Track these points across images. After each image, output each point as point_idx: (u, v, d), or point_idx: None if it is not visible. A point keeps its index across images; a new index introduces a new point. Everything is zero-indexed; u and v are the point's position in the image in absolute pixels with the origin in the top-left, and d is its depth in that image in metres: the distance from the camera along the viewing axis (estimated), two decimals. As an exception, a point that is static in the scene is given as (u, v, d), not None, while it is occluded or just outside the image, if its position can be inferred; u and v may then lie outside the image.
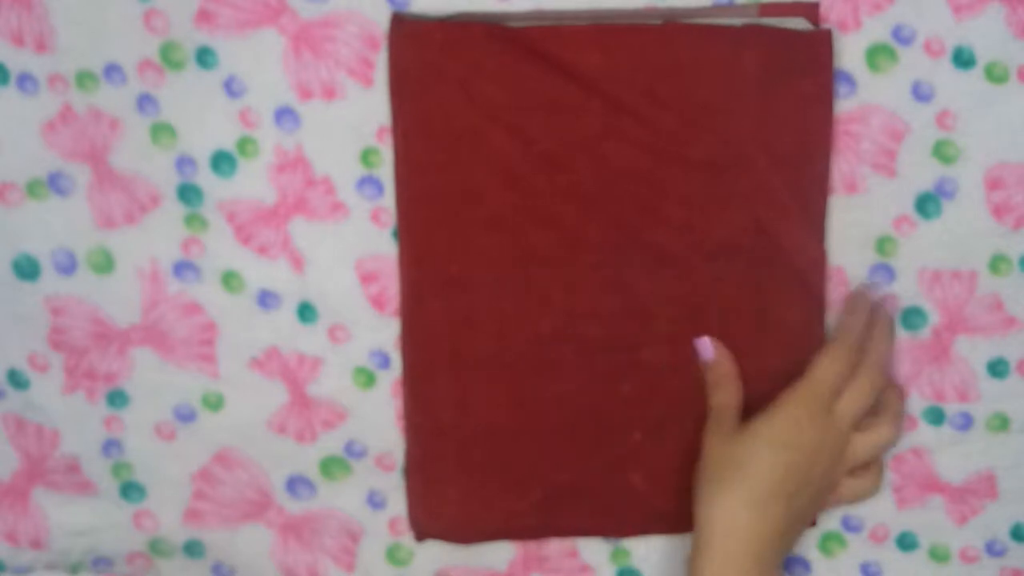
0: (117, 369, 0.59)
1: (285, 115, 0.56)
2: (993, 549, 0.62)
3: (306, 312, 0.58)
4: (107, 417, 0.60)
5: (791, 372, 0.58)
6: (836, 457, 0.55)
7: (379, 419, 0.60)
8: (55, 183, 0.57)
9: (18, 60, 0.56)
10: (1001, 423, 0.60)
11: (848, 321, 0.57)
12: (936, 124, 0.57)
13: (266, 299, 0.58)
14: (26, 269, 0.58)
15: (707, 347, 0.57)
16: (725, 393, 0.57)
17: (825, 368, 0.56)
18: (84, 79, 0.56)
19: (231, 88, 0.56)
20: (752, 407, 0.59)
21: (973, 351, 0.59)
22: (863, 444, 0.56)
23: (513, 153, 0.56)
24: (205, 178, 0.57)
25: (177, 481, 0.61)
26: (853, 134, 0.57)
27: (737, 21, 0.56)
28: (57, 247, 0.58)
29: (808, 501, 0.55)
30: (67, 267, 0.58)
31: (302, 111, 0.56)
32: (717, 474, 0.55)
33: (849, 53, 0.56)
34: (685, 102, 0.56)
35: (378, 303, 0.58)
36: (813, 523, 0.61)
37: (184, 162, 0.57)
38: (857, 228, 0.58)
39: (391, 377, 0.59)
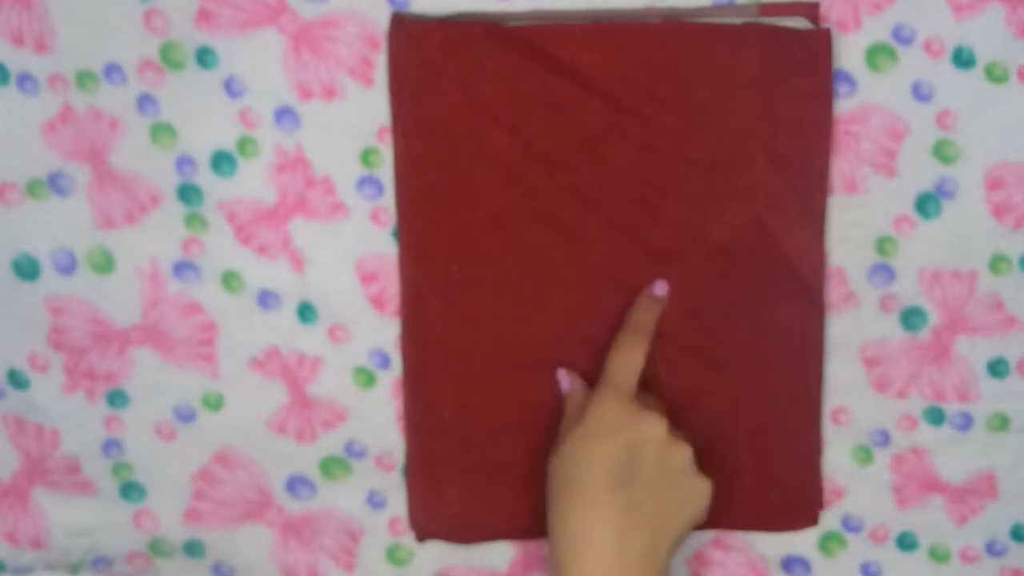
0: (117, 369, 0.59)
1: (285, 115, 0.56)
2: (993, 549, 0.62)
3: (306, 312, 0.58)
4: (107, 417, 0.60)
5: (790, 371, 0.58)
6: (665, 440, 0.54)
7: (379, 419, 0.60)
8: (55, 183, 0.57)
9: (18, 60, 0.56)
10: (1001, 423, 0.60)
11: (630, 313, 0.57)
12: (936, 124, 0.57)
13: (266, 299, 0.58)
14: (26, 269, 0.58)
15: (662, 287, 0.58)
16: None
17: (616, 361, 0.56)
18: (84, 79, 0.56)
19: (231, 88, 0.56)
20: (751, 406, 0.59)
21: (973, 351, 0.59)
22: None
23: (513, 153, 0.56)
24: (205, 178, 0.57)
25: (177, 481, 0.61)
26: (853, 134, 0.57)
27: (737, 21, 0.56)
28: (57, 247, 0.58)
29: (653, 488, 0.53)
30: (67, 267, 0.58)
31: (302, 111, 0.56)
32: (551, 497, 0.54)
33: (849, 53, 0.56)
34: (685, 101, 0.56)
35: (378, 303, 0.58)
36: (814, 520, 0.61)
37: (184, 162, 0.57)
38: (857, 228, 0.58)
39: (391, 377, 0.59)
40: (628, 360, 0.56)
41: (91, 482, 0.61)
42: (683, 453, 0.54)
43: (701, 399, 0.58)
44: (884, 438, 0.60)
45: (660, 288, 0.57)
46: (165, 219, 0.58)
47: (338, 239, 0.58)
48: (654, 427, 0.54)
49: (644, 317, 0.57)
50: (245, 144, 0.57)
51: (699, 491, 0.55)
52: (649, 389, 0.58)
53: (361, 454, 0.60)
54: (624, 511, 0.52)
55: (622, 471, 0.53)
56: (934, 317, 0.59)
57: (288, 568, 0.62)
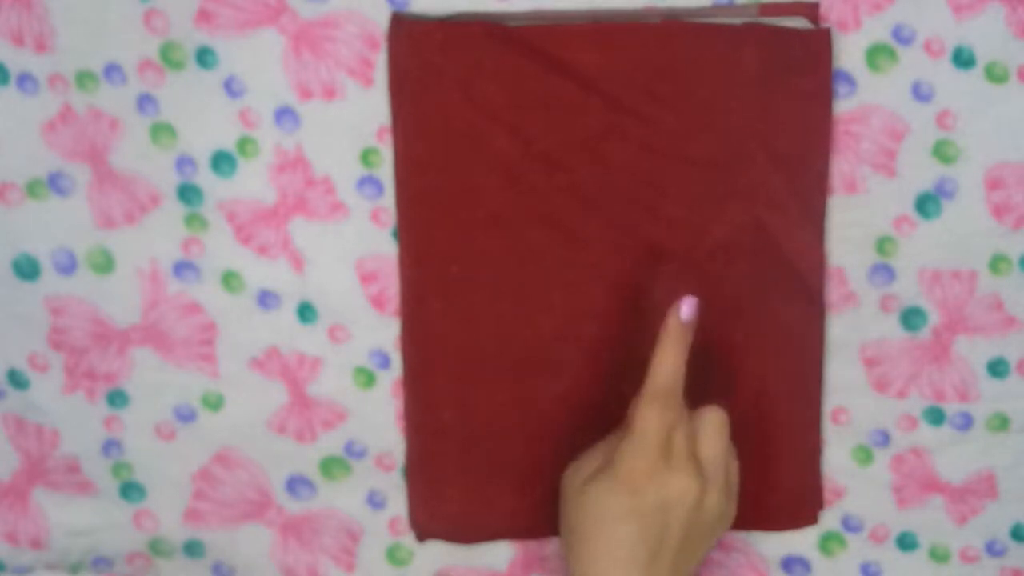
0: (117, 369, 0.59)
1: (285, 115, 0.56)
2: (993, 549, 0.62)
3: (306, 312, 0.58)
4: (107, 417, 0.60)
5: (790, 371, 0.58)
6: (692, 502, 0.52)
7: (379, 419, 0.60)
8: (55, 183, 0.57)
9: (18, 60, 0.56)
10: (1001, 423, 0.60)
11: (656, 361, 0.53)
12: (936, 124, 0.57)
13: (266, 299, 0.58)
14: (26, 269, 0.58)
15: (691, 306, 0.54)
16: (648, 417, 0.52)
17: (647, 419, 0.52)
18: (84, 79, 0.56)
19: (231, 88, 0.56)
20: (750, 406, 0.59)
21: (973, 351, 0.59)
22: (705, 454, 0.54)
23: (513, 152, 0.56)
24: (205, 178, 0.57)
25: (177, 481, 0.61)
26: (853, 134, 0.57)
27: (737, 21, 0.56)
28: (57, 247, 0.58)
29: (678, 546, 0.53)
30: (67, 267, 0.58)
31: (302, 111, 0.56)
32: (572, 539, 0.53)
33: (849, 53, 0.56)
34: (685, 101, 0.56)
35: (378, 303, 0.58)
36: (814, 520, 0.61)
37: (184, 162, 0.57)
38: (857, 228, 0.58)
39: (391, 377, 0.59)
40: (658, 411, 0.52)
41: (91, 482, 0.61)
42: (713, 507, 0.53)
43: (701, 399, 0.58)
44: (884, 438, 0.60)
45: (688, 309, 0.53)
46: (165, 219, 0.58)
47: (338, 239, 0.58)
48: (683, 489, 0.52)
49: (672, 364, 0.53)
50: (245, 144, 0.57)
51: (724, 523, 0.55)
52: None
53: (361, 454, 0.60)
54: (644, 569, 0.52)
55: (648, 532, 0.52)
56: (934, 317, 0.59)
57: (288, 568, 0.62)
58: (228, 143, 0.57)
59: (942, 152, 0.57)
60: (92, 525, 0.61)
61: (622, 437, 0.54)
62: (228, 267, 0.58)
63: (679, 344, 0.53)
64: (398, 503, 0.61)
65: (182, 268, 0.58)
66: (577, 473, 0.55)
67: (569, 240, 0.57)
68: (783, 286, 0.58)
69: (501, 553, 0.62)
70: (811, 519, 0.61)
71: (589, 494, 0.53)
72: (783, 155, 0.56)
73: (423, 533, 0.61)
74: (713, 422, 0.54)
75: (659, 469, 0.52)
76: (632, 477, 0.52)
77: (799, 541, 0.62)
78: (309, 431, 0.60)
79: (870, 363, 0.59)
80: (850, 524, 0.62)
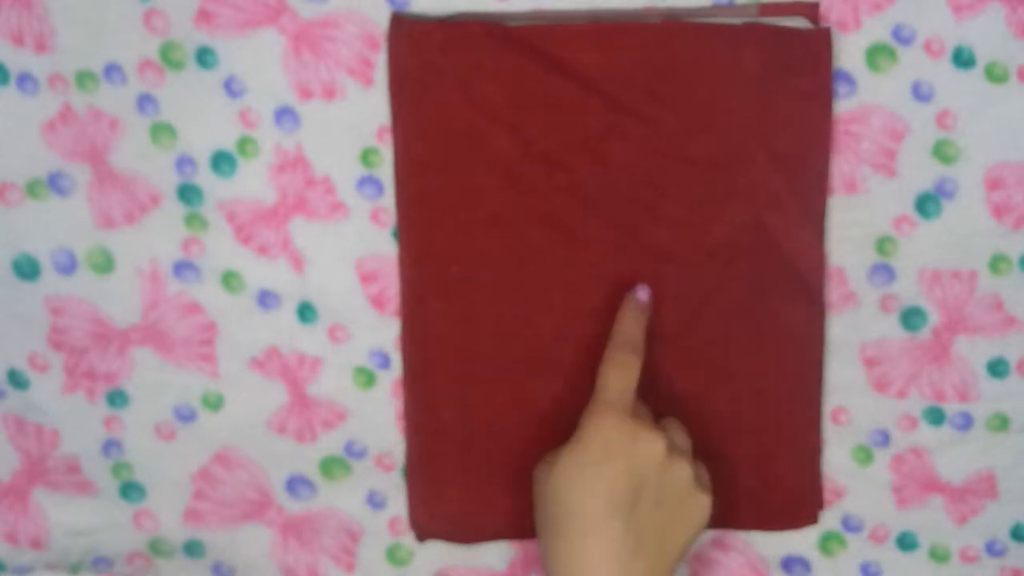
0: (117, 369, 0.59)
1: (285, 115, 0.56)
2: (993, 549, 0.62)
3: (306, 312, 0.58)
4: (107, 417, 0.60)
5: (791, 371, 0.58)
6: (660, 460, 0.53)
7: (379, 419, 0.60)
8: (55, 183, 0.57)
9: (18, 60, 0.56)
10: (1001, 423, 0.60)
11: (616, 325, 0.56)
12: (936, 124, 0.57)
13: (266, 299, 0.58)
14: (26, 269, 0.58)
15: (645, 292, 0.56)
16: (614, 379, 0.54)
17: (607, 375, 0.54)
18: (84, 79, 0.56)
19: (231, 88, 0.56)
20: (751, 406, 0.59)
21: (973, 351, 0.59)
22: (671, 435, 0.55)
23: (513, 152, 0.56)
24: (205, 178, 0.57)
25: (177, 481, 0.61)
26: (853, 134, 0.57)
27: (737, 21, 0.56)
28: (57, 247, 0.58)
29: (656, 510, 0.52)
30: (67, 267, 0.58)
31: (302, 111, 0.56)
32: (546, 521, 0.53)
33: (849, 53, 0.56)
34: (684, 100, 0.56)
35: (378, 303, 0.58)
36: (815, 519, 0.61)
37: (184, 162, 0.57)
38: (857, 228, 0.58)
39: (391, 377, 0.59)
40: (622, 376, 0.54)
41: (91, 482, 0.61)
42: (683, 471, 0.53)
43: (701, 399, 0.58)
44: (884, 438, 0.60)
45: (643, 293, 0.57)
46: (165, 219, 0.58)
47: (338, 239, 0.58)
48: (654, 448, 0.52)
49: (631, 328, 0.55)
50: (245, 144, 0.57)
51: (700, 507, 0.54)
52: (649, 389, 0.58)
53: (361, 454, 0.60)
54: (625, 536, 0.51)
55: (622, 497, 0.52)
56: (934, 317, 0.59)
57: (288, 568, 0.62)
58: (228, 143, 0.57)
59: (942, 152, 0.57)
60: (92, 525, 0.61)
61: (583, 414, 0.54)
62: (228, 267, 0.58)
63: (637, 313, 0.56)
64: (398, 503, 0.61)
65: (182, 268, 0.58)
66: (543, 462, 0.55)
67: (569, 240, 0.57)
68: (783, 286, 0.58)
69: (501, 553, 0.62)
70: (811, 519, 0.61)
71: (556, 473, 0.53)
72: (783, 155, 0.56)
73: (423, 533, 0.61)
74: (676, 422, 0.56)
75: (624, 429, 0.52)
76: (596, 441, 0.52)
77: (799, 541, 0.62)
78: (309, 431, 0.60)
79: (870, 363, 0.59)
80: (850, 524, 0.62)
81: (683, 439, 0.56)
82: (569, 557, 0.52)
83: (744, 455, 0.59)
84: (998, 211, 0.57)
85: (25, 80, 0.56)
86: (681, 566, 0.61)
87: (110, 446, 0.60)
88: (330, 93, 0.56)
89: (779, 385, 0.59)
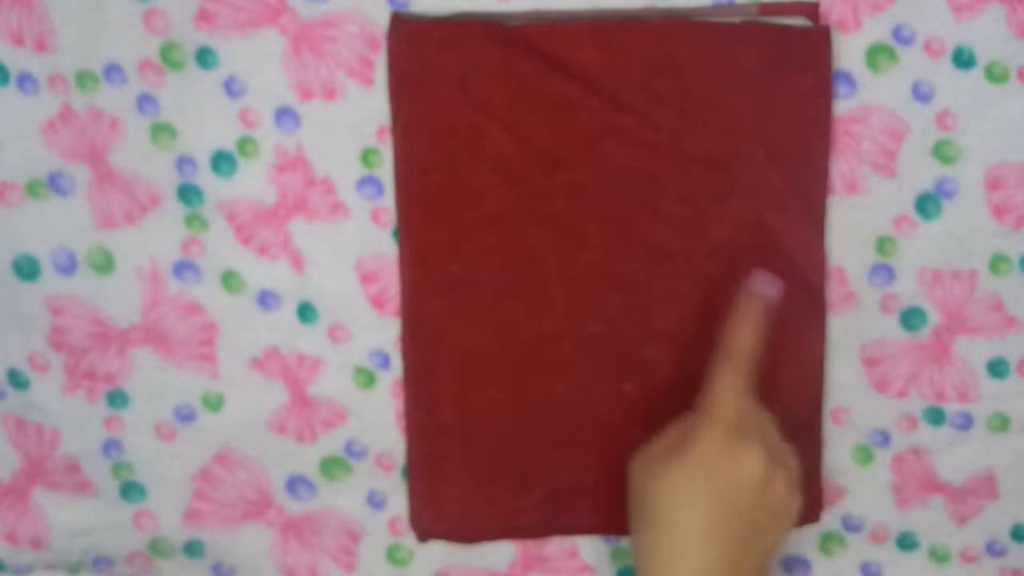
0: (117, 369, 0.59)
1: (285, 115, 0.56)
2: (993, 549, 0.62)
3: (306, 312, 0.58)
4: (107, 417, 0.60)
5: (790, 369, 0.58)
6: (761, 484, 0.53)
7: (379, 419, 0.60)
8: (55, 183, 0.57)
9: (18, 60, 0.56)
10: (1001, 423, 0.60)
11: (728, 334, 0.54)
12: (936, 124, 0.57)
13: (266, 299, 0.58)
14: (26, 269, 0.58)
15: (770, 283, 0.55)
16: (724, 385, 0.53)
17: (722, 399, 0.53)
18: (84, 79, 0.56)
19: (231, 88, 0.56)
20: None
21: (973, 351, 0.59)
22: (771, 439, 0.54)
23: (512, 151, 0.56)
24: (205, 178, 0.57)
25: (177, 481, 0.61)
26: (853, 134, 0.57)
27: (737, 20, 0.56)
28: (57, 247, 0.58)
29: (750, 532, 0.53)
30: (67, 267, 0.58)
31: (302, 111, 0.56)
32: (644, 526, 0.53)
33: (849, 53, 0.56)
34: (684, 99, 0.56)
35: (378, 303, 0.58)
36: (816, 518, 0.61)
37: (184, 162, 0.57)
38: (857, 228, 0.58)
39: (391, 377, 0.59)
40: (731, 387, 0.53)
41: (91, 482, 0.61)
42: (781, 487, 0.53)
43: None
44: (884, 438, 0.60)
45: (769, 286, 0.54)
46: (165, 219, 0.58)
47: (338, 239, 0.58)
48: (754, 468, 0.52)
49: (747, 337, 0.54)
50: (245, 144, 0.57)
51: (791, 511, 0.54)
52: (650, 386, 0.58)
53: (361, 454, 0.60)
54: (717, 550, 0.52)
55: (720, 513, 0.52)
56: (934, 317, 0.59)
57: (288, 568, 0.62)
58: (228, 143, 0.57)
59: (942, 152, 0.57)
60: (92, 525, 0.61)
61: (692, 420, 0.54)
62: (228, 267, 0.58)
63: (755, 315, 0.54)
64: (398, 503, 0.61)
65: (182, 268, 0.58)
66: (645, 460, 0.54)
67: (569, 239, 0.57)
68: (784, 284, 0.58)
69: (501, 553, 0.62)
70: (813, 518, 0.61)
71: (662, 479, 0.53)
72: (783, 153, 0.56)
73: (424, 533, 0.61)
74: (767, 417, 0.55)
75: (731, 450, 0.52)
76: (705, 458, 0.52)
77: (799, 541, 0.62)
78: (309, 431, 0.60)
79: (870, 363, 0.59)
80: (850, 524, 0.62)
81: (775, 437, 0.55)
82: (661, 564, 0.52)
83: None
84: (998, 211, 0.57)
85: (25, 80, 0.56)
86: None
87: (110, 446, 0.60)
88: (330, 93, 0.56)
89: (780, 383, 0.59)
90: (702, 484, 0.52)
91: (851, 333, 0.59)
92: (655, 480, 0.53)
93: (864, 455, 0.61)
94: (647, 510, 0.53)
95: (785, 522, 0.54)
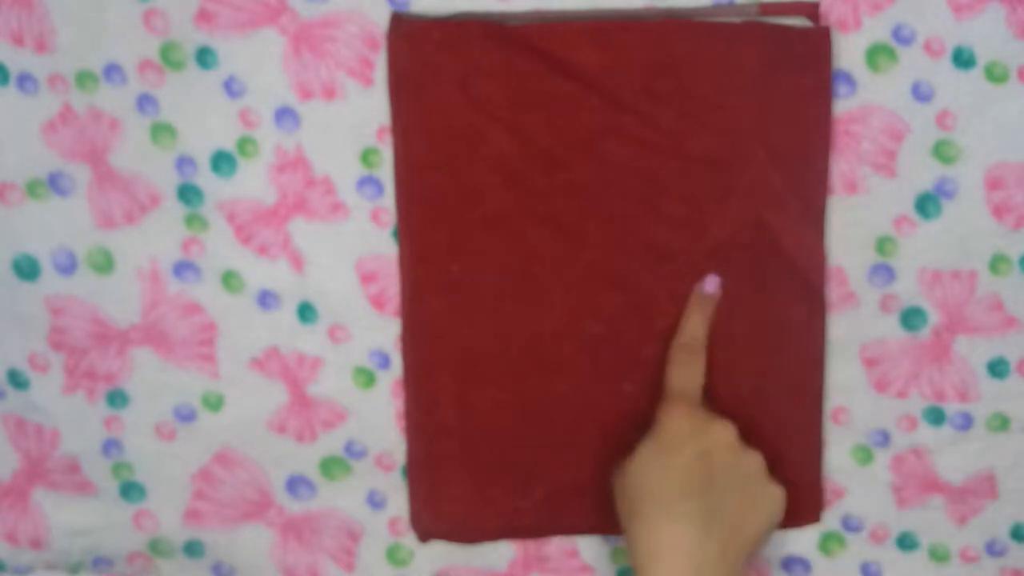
0: (117, 369, 0.59)
1: (285, 115, 0.56)
2: (993, 549, 0.62)
3: (306, 312, 0.58)
4: (107, 417, 0.60)
5: (792, 369, 0.58)
6: (738, 444, 0.55)
7: (379, 419, 0.60)
8: (55, 183, 0.57)
9: (18, 60, 0.56)
10: (1001, 423, 0.60)
11: (681, 324, 0.58)
12: (936, 124, 0.57)
13: (266, 299, 0.58)
14: (26, 269, 0.58)
15: (713, 282, 0.57)
16: (682, 377, 0.56)
17: (677, 375, 0.56)
18: (84, 79, 0.56)
19: (231, 88, 0.56)
20: (749, 404, 0.59)
21: (973, 351, 0.59)
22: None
23: (512, 151, 0.56)
24: (205, 178, 0.57)
25: (177, 481, 0.61)
26: (853, 134, 0.57)
27: (737, 20, 0.56)
28: (57, 247, 0.58)
29: (727, 493, 0.54)
30: (67, 267, 0.58)
31: (302, 111, 0.56)
32: (626, 509, 0.55)
33: (849, 53, 0.56)
34: (684, 99, 0.56)
35: (378, 303, 0.58)
36: (817, 518, 0.61)
37: (184, 162, 0.57)
38: (857, 228, 0.58)
39: (391, 377, 0.59)
40: (688, 372, 0.56)
41: (91, 482, 0.61)
42: (754, 460, 0.56)
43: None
44: (884, 438, 0.60)
45: (711, 284, 0.57)
46: (165, 219, 0.58)
47: (338, 239, 0.58)
48: (725, 434, 0.55)
49: (695, 325, 0.57)
50: (245, 144, 0.57)
51: (772, 497, 0.56)
52: (651, 386, 0.58)
53: (361, 454, 0.60)
54: (699, 518, 0.53)
55: (696, 480, 0.54)
56: (934, 317, 0.59)
57: (288, 568, 0.62)
58: (228, 143, 0.57)
59: (942, 152, 0.57)
60: (92, 525, 0.61)
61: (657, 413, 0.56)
62: (228, 267, 0.58)
63: (702, 307, 0.57)
64: (398, 503, 0.61)
65: (182, 268, 0.58)
66: (622, 460, 0.56)
67: (569, 239, 0.57)
68: (784, 284, 0.58)
69: (501, 553, 0.62)
70: (814, 517, 0.61)
71: (633, 466, 0.55)
72: (783, 153, 0.57)
73: (425, 533, 0.61)
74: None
75: (695, 416, 0.55)
76: (672, 433, 0.54)
77: (799, 541, 0.62)
78: (309, 431, 0.60)
79: (870, 363, 0.59)
80: (850, 524, 0.62)
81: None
82: (647, 537, 0.53)
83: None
84: (998, 211, 0.57)
85: (25, 80, 0.56)
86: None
87: (110, 446, 0.60)
88: (330, 93, 0.56)
89: (780, 383, 0.59)
90: (672, 455, 0.54)
91: (851, 333, 0.59)
92: (630, 464, 0.55)
93: (864, 455, 0.61)
94: (626, 493, 0.55)
95: (767, 505, 0.56)
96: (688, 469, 0.54)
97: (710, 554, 0.53)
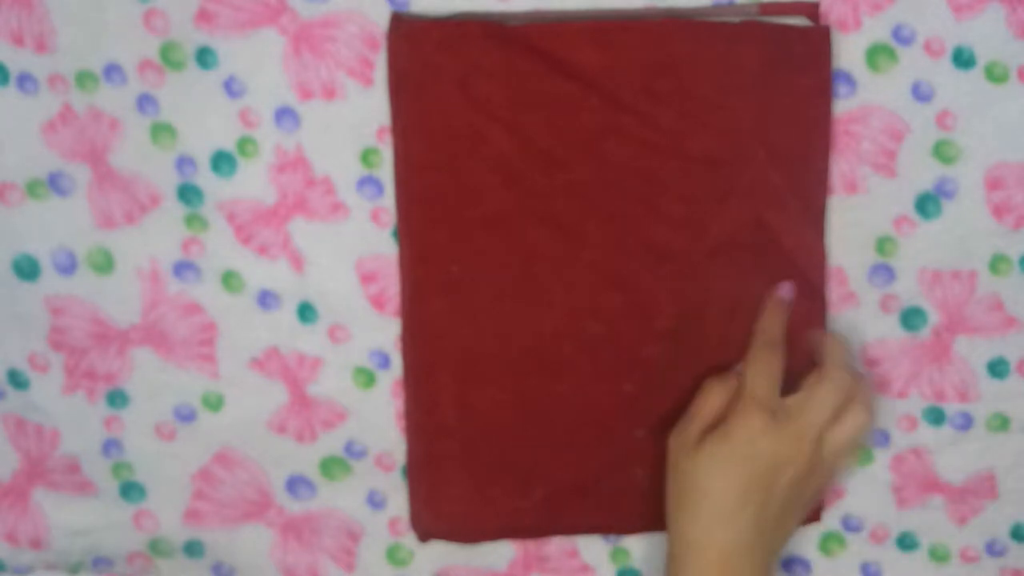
0: (117, 369, 0.59)
1: (285, 115, 0.56)
2: (993, 549, 0.62)
3: (306, 312, 0.58)
4: (107, 417, 0.60)
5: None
6: (805, 463, 0.54)
7: (379, 419, 0.60)
8: (55, 183, 0.57)
9: (18, 60, 0.56)
10: (1001, 423, 0.60)
11: (761, 323, 0.58)
12: (936, 124, 0.57)
13: (266, 299, 0.58)
14: (26, 269, 0.58)
15: (789, 288, 0.58)
16: (756, 377, 0.56)
17: (752, 373, 0.56)
18: (84, 79, 0.56)
19: (231, 88, 0.56)
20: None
21: (973, 351, 0.59)
22: (840, 434, 0.55)
23: (512, 151, 0.56)
24: (205, 178, 0.57)
25: (177, 481, 0.61)
26: (853, 134, 0.57)
27: (737, 20, 0.56)
28: (57, 247, 0.58)
29: (780, 508, 0.54)
30: (67, 267, 0.58)
31: (302, 111, 0.56)
32: (681, 498, 0.55)
33: (849, 53, 0.56)
34: (684, 99, 0.56)
35: (378, 303, 0.58)
36: (817, 517, 0.61)
37: (184, 162, 0.57)
38: (857, 228, 0.58)
39: (391, 377, 0.59)
40: (767, 372, 0.56)
41: (91, 482, 0.61)
42: (820, 478, 0.56)
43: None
44: (884, 438, 0.60)
45: (787, 291, 0.57)
46: (165, 219, 0.58)
47: (338, 239, 0.58)
48: (798, 452, 0.54)
49: (773, 324, 0.57)
50: (245, 144, 0.57)
51: (817, 498, 0.58)
52: (651, 386, 0.58)
53: (361, 454, 0.60)
54: (747, 527, 0.53)
55: (756, 492, 0.54)
56: (934, 317, 0.59)
57: (288, 568, 0.62)
58: (228, 143, 0.57)
59: (942, 152, 0.57)
60: (92, 525, 0.61)
61: (731, 404, 0.55)
62: (228, 267, 0.58)
63: (779, 311, 0.57)
64: (398, 503, 0.61)
65: (182, 268, 0.58)
66: (685, 434, 0.56)
67: (569, 239, 0.57)
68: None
69: (501, 553, 0.62)
70: (814, 517, 0.61)
71: (700, 457, 0.54)
72: (783, 153, 0.56)
73: (425, 533, 0.61)
74: (859, 393, 0.56)
75: (768, 430, 0.54)
76: (746, 434, 0.54)
77: (799, 541, 0.62)
78: (309, 431, 0.60)
79: (870, 363, 0.59)
80: (850, 524, 0.62)
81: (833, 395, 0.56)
82: (695, 533, 0.54)
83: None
84: (998, 211, 0.57)
85: (25, 80, 0.56)
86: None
87: (110, 446, 0.60)
88: (330, 93, 0.56)
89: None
90: (743, 461, 0.54)
91: (851, 333, 0.59)
92: (696, 453, 0.55)
93: (864, 455, 0.61)
94: (683, 485, 0.55)
95: (811, 506, 0.57)
96: (754, 481, 0.53)
97: (747, 562, 0.53)
